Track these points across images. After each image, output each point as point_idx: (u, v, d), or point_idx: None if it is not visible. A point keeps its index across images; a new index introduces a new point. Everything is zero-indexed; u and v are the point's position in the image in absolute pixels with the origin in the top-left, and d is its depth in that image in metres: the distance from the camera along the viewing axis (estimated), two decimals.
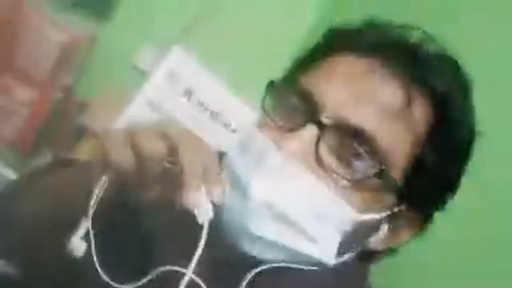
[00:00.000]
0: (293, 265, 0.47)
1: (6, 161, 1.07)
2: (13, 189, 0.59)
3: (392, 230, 0.49)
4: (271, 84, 0.49)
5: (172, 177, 0.41)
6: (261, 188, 0.44)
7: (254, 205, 0.44)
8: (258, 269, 0.46)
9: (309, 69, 0.50)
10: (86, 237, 0.42)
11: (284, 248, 0.46)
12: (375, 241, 0.49)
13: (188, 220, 0.40)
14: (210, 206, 0.40)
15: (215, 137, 0.55)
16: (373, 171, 0.45)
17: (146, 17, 1.27)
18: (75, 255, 0.41)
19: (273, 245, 0.45)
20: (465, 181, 0.52)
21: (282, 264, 0.47)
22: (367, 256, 0.52)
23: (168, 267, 0.42)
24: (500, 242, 0.96)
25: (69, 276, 0.49)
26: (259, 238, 0.45)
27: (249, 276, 0.46)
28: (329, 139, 0.46)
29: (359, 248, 0.50)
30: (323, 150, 0.46)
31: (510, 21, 0.97)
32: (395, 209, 0.48)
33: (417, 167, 0.47)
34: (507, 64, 0.95)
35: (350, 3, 1.28)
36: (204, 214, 0.40)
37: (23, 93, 1.07)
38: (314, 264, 0.47)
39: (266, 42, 1.26)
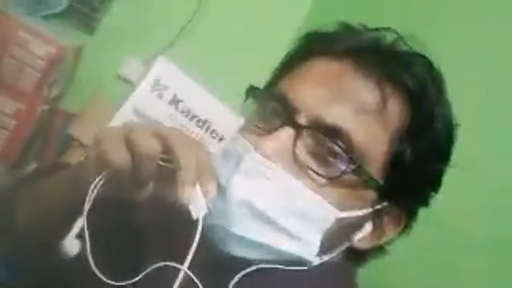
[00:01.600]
0: (280, 266, 0.48)
1: None
2: (6, 193, 0.59)
3: (377, 228, 0.50)
4: (250, 89, 0.51)
5: (166, 175, 0.42)
6: (239, 187, 0.45)
7: (233, 205, 0.45)
8: (245, 271, 0.47)
9: (287, 74, 0.51)
10: (80, 236, 0.42)
11: (266, 247, 0.47)
12: (360, 239, 0.50)
13: (182, 217, 0.41)
14: (204, 202, 0.41)
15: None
16: (349, 168, 0.46)
17: (132, 27, 1.28)
18: (69, 254, 0.42)
19: (255, 244, 0.46)
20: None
21: (269, 266, 0.47)
22: (355, 256, 0.53)
23: (162, 263, 0.42)
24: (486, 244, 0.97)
25: (64, 275, 0.49)
26: (241, 238, 0.46)
27: (236, 278, 0.47)
28: (306, 139, 0.47)
29: (344, 247, 0.50)
30: (301, 150, 0.47)
31: (483, 21, 0.99)
32: (378, 206, 0.49)
33: (396, 163, 0.48)
34: (482, 64, 0.97)
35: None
36: (199, 210, 0.41)
37: (9, 105, 1.06)
38: (299, 264, 0.48)
39: (258, 45, 1.28)
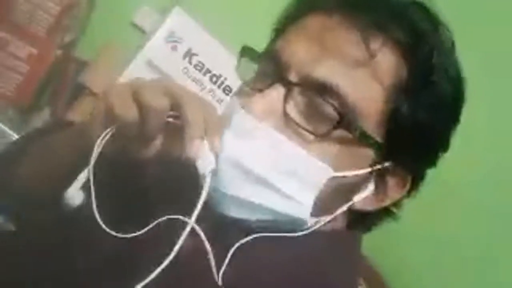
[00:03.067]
0: (278, 234, 0.48)
1: (5, 117, 1.07)
2: (13, 149, 0.60)
3: (380, 189, 0.49)
4: (244, 50, 0.50)
5: (174, 131, 0.42)
6: (229, 147, 0.44)
7: (223, 164, 0.45)
8: (245, 240, 0.47)
9: (282, 33, 0.50)
10: (84, 188, 0.42)
11: (259, 208, 0.46)
12: (362, 200, 0.49)
13: (189, 173, 0.41)
14: (212, 157, 0.41)
15: (215, 101, 0.55)
16: (339, 123, 0.44)
17: None
18: (72, 204, 0.42)
19: (248, 204, 0.46)
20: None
21: (267, 234, 0.47)
22: (359, 220, 0.52)
23: (166, 217, 0.42)
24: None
25: (67, 227, 0.50)
26: (234, 198, 0.46)
27: (236, 244, 0.47)
28: (297, 97, 0.46)
29: (345, 207, 0.49)
30: (291, 108, 0.46)
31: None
32: (378, 166, 0.48)
33: (394, 121, 0.46)
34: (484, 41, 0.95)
35: None
36: (206, 164, 0.41)
37: (22, 48, 1.05)
38: (295, 224, 0.48)
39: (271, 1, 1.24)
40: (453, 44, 0.48)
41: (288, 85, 0.46)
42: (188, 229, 0.40)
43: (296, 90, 0.46)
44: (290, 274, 0.48)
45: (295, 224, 0.48)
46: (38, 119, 1.15)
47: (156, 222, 0.43)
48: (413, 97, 0.46)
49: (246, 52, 0.50)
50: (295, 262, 0.49)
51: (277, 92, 0.46)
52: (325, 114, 0.45)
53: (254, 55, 0.50)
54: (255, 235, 0.47)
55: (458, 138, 0.51)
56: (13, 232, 0.59)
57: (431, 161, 0.50)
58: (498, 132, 1.01)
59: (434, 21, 0.47)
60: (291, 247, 0.49)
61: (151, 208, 0.50)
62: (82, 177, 0.43)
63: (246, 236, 0.48)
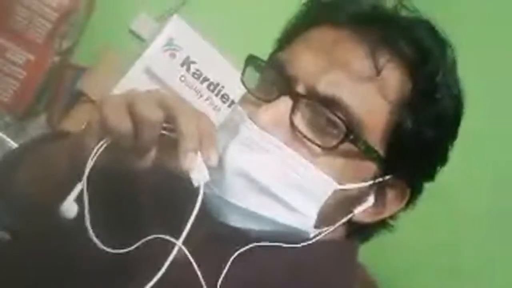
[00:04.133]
0: (278, 244, 0.48)
1: (2, 123, 1.06)
2: (11, 158, 0.60)
3: (379, 202, 0.50)
4: (249, 59, 0.50)
5: (168, 144, 0.42)
6: (235, 157, 0.45)
7: (229, 174, 0.45)
8: (245, 248, 0.47)
9: (287, 44, 0.50)
10: (79, 200, 0.42)
11: (262, 218, 0.46)
12: (361, 213, 0.49)
13: (183, 186, 0.41)
14: (206, 170, 0.41)
15: (212, 109, 0.55)
16: (345, 137, 0.45)
17: None
18: (67, 217, 0.42)
19: (251, 215, 0.46)
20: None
21: (267, 244, 0.47)
22: (357, 231, 0.52)
23: (156, 236, 0.42)
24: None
25: (62, 240, 0.49)
26: (237, 208, 0.46)
27: (236, 253, 0.47)
28: (304, 109, 0.46)
29: (345, 219, 0.50)
30: (299, 120, 0.46)
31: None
32: (380, 179, 0.48)
33: (397, 135, 0.47)
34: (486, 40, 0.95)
35: None
36: (200, 177, 0.40)
37: (19, 55, 1.05)
38: (296, 235, 0.48)
39: (268, 8, 1.25)
40: (455, 62, 0.49)
41: (296, 97, 0.46)
42: (175, 251, 0.39)
43: (303, 102, 0.46)
44: (289, 283, 0.48)
45: (297, 235, 0.48)
46: (35, 125, 1.15)
47: (143, 240, 0.42)
48: (416, 112, 0.46)
49: (252, 61, 0.50)
50: (294, 271, 0.49)
51: (285, 103, 0.46)
52: (332, 127, 0.45)
53: (260, 64, 0.50)
54: (254, 244, 0.47)
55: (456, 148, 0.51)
56: (9, 241, 0.59)
57: (430, 175, 0.51)
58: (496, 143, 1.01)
59: (440, 40, 0.48)
60: (290, 256, 0.49)
61: (145, 221, 0.50)
62: (76, 189, 0.42)
63: (245, 245, 0.47)
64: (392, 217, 0.52)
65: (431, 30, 0.48)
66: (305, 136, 0.46)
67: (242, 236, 0.48)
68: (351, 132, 0.45)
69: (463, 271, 1.01)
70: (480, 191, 1.01)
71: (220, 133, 0.46)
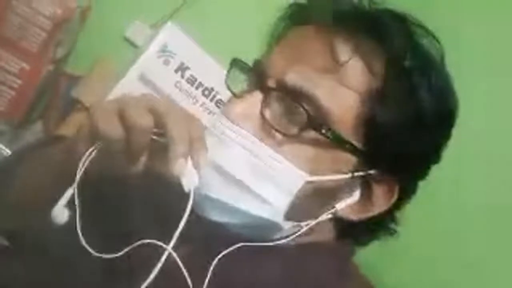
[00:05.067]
0: (262, 244, 0.48)
1: None
2: (5, 166, 0.60)
3: (366, 198, 0.49)
4: (233, 61, 0.52)
5: (159, 149, 0.42)
6: (209, 150, 0.45)
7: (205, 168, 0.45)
8: (228, 250, 0.47)
9: (269, 46, 0.52)
10: (70, 205, 0.42)
11: (237, 211, 0.47)
12: (347, 209, 0.49)
13: (174, 191, 0.41)
14: (196, 174, 0.41)
15: (207, 114, 0.56)
16: (306, 123, 0.45)
17: None
18: (58, 222, 0.42)
19: (227, 208, 0.47)
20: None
21: (251, 244, 0.48)
22: (346, 230, 0.52)
23: (145, 241, 0.42)
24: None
25: (53, 244, 0.50)
26: (213, 200, 0.47)
27: (220, 255, 0.47)
28: (274, 102, 0.48)
29: (328, 215, 0.49)
30: (269, 113, 0.47)
31: None
32: (361, 173, 0.48)
33: (372, 128, 0.47)
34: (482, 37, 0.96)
35: None
36: (190, 182, 0.41)
37: (14, 63, 1.05)
38: (271, 228, 0.48)
39: (262, 15, 1.25)
40: (440, 55, 0.49)
41: (266, 91, 0.47)
42: (164, 257, 0.39)
43: (273, 96, 0.47)
44: (274, 282, 0.49)
45: (271, 228, 0.48)
46: (30, 133, 1.15)
47: (133, 245, 0.43)
48: (388, 105, 0.46)
49: (235, 64, 0.52)
50: (279, 277, 0.49)
51: (255, 97, 0.47)
52: (297, 116, 0.46)
53: (243, 67, 0.52)
54: (239, 244, 0.48)
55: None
56: (6, 247, 0.59)
57: (419, 173, 0.51)
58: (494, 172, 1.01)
59: (412, 31, 0.48)
60: (273, 257, 0.49)
61: (136, 226, 0.50)
62: (67, 194, 0.43)
63: (230, 243, 0.48)
64: (394, 220, 0.52)
65: (402, 22, 0.48)
66: (270, 124, 0.46)
67: (224, 233, 0.48)
68: (314, 119, 0.45)
69: (467, 282, 1.00)
70: (476, 187, 1.01)
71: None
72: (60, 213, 0.42)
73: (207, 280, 0.46)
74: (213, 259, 0.47)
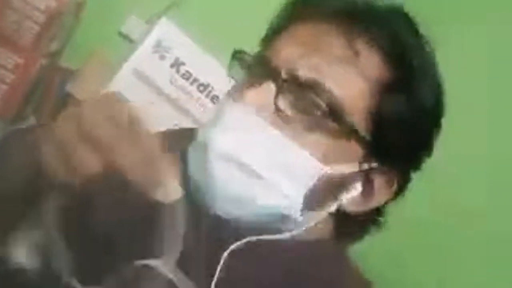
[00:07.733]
0: (268, 237, 0.48)
1: None
2: None
3: (367, 190, 0.50)
4: (236, 53, 0.51)
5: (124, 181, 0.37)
6: (219, 140, 0.45)
7: (214, 158, 0.45)
8: (234, 245, 0.47)
9: (271, 41, 0.52)
10: (38, 248, 0.40)
11: (251, 202, 0.46)
12: (349, 200, 0.50)
13: (156, 207, 0.39)
14: (176, 185, 0.38)
15: (202, 109, 0.55)
16: (325, 115, 0.46)
17: None
18: (25, 267, 0.40)
19: (240, 199, 0.46)
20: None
21: (257, 237, 0.47)
22: (345, 223, 0.51)
23: (140, 262, 0.41)
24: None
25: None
26: (224, 194, 0.46)
27: (228, 250, 0.47)
28: (287, 93, 0.47)
29: (333, 207, 0.50)
30: (283, 104, 0.47)
31: None
32: (366, 166, 0.49)
33: (378, 118, 0.48)
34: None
35: None
36: (171, 194, 0.38)
37: (7, 58, 1.04)
38: (283, 221, 0.48)
39: (258, 10, 1.25)
40: (433, 55, 0.51)
41: (279, 82, 0.47)
42: (158, 271, 0.38)
43: (286, 87, 0.47)
44: (281, 277, 0.49)
45: (285, 221, 0.48)
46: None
47: (128, 266, 0.41)
48: (394, 97, 0.48)
49: (237, 55, 0.51)
50: (281, 273, 0.49)
51: (269, 88, 0.47)
52: (314, 108, 0.46)
53: (245, 58, 0.51)
54: (245, 240, 0.47)
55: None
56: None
57: (415, 163, 0.52)
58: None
59: (415, 27, 0.50)
60: (278, 252, 0.49)
61: (116, 255, 0.47)
62: (33, 236, 0.40)
63: (239, 237, 0.47)
64: (380, 212, 0.52)
65: (407, 19, 0.50)
66: (287, 116, 0.47)
67: (234, 228, 0.47)
68: (332, 111, 0.46)
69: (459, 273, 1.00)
70: (475, 186, 1.01)
71: (205, 124, 0.47)
72: (28, 259, 0.40)
73: (216, 276, 0.46)
74: (221, 253, 0.47)
